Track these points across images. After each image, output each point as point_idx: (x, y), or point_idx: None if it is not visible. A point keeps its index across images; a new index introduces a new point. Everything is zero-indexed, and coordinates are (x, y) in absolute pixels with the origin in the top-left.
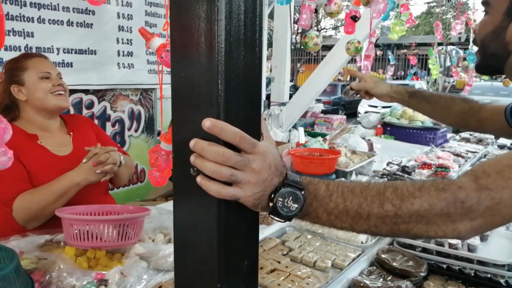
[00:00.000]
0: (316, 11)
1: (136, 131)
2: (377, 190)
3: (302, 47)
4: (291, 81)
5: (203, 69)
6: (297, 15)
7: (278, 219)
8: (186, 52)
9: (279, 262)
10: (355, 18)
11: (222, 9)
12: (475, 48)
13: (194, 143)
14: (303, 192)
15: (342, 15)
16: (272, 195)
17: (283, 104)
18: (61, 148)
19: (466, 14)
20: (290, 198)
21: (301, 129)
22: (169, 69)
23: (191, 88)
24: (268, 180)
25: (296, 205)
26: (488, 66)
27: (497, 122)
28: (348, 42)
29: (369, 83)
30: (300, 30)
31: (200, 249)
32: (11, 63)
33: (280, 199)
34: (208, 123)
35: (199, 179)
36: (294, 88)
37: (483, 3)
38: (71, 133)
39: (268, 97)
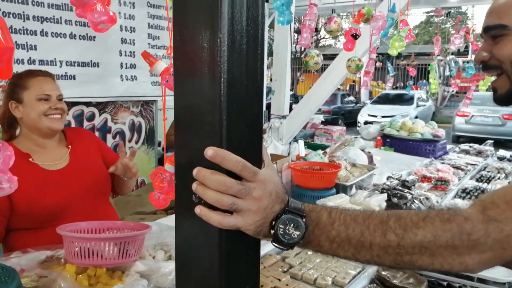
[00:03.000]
0: (316, 29)
1: (136, 142)
2: (380, 219)
3: (302, 62)
4: (291, 90)
5: (205, 98)
6: (297, 25)
7: (280, 247)
8: (189, 81)
9: (279, 280)
10: (355, 36)
11: (225, 40)
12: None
13: (196, 171)
14: (304, 220)
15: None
16: (273, 222)
17: (283, 117)
18: (56, 162)
19: (464, 29)
20: (292, 225)
21: (301, 142)
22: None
23: (194, 116)
24: (269, 207)
25: (297, 232)
26: None
27: None
28: (349, 60)
29: None
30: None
31: (201, 275)
32: (15, 78)
33: (281, 226)
34: (210, 152)
35: (198, 210)
36: (294, 97)
37: (493, 28)
38: (70, 146)
39: (268, 106)
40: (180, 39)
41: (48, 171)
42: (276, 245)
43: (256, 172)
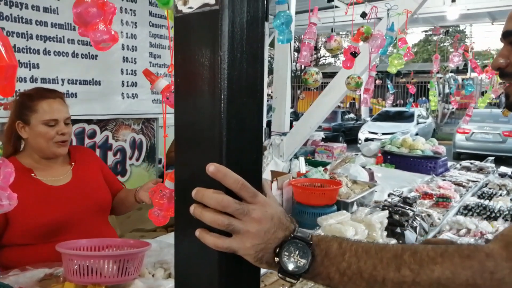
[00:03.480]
0: (315, 48)
1: (137, 160)
2: (394, 252)
3: (302, 80)
4: (291, 107)
5: (206, 114)
6: (297, 44)
7: (288, 278)
8: (189, 98)
9: None
10: (354, 54)
11: (225, 58)
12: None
13: (195, 192)
14: (311, 248)
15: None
16: (277, 249)
17: (284, 134)
18: (58, 178)
19: (463, 47)
20: (297, 252)
21: (302, 159)
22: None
23: (194, 132)
24: (271, 232)
25: (304, 261)
26: None
27: None
28: (348, 77)
29: None
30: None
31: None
32: (24, 98)
33: (286, 254)
34: (212, 168)
35: (197, 232)
36: (294, 114)
37: (508, 34)
38: (73, 163)
39: (268, 123)
40: (181, 57)
41: (50, 186)
42: (282, 276)
43: (256, 194)
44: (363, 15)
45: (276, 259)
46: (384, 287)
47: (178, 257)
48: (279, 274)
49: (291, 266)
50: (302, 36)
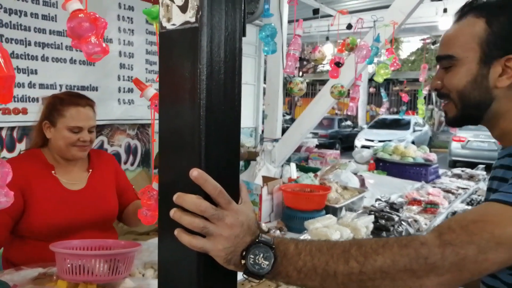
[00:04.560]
0: (300, 59)
1: (132, 165)
2: (343, 248)
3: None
4: (289, 114)
5: (187, 121)
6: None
7: (251, 278)
8: (172, 106)
9: None
10: (338, 64)
11: (204, 71)
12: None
13: (176, 196)
14: (273, 250)
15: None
16: (244, 252)
17: (276, 140)
18: (74, 182)
19: None
20: (261, 255)
21: (293, 165)
22: None
23: (177, 138)
24: (240, 237)
25: (267, 262)
26: (467, 117)
27: None
28: (332, 86)
29: None
30: (298, 65)
31: (181, 282)
32: (56, 100)
33: (251, 256)
34: (195, 173)
35: (176, 231)
36: (292, 121)
37: (443, 58)
38: (90, 170)
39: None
40: (165, 68)
41: (65, 188)
42: (246, 276)
43: (230, 201)
44: (349, 27)
45: (243, 261)
46: (335, 280)
47: (161, 254)
48: (243, 275)
49: (255, 267)
50: (287, 47)
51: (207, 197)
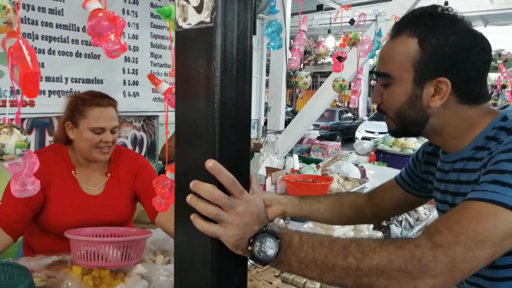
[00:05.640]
0: (309, 52)
1: None
2: (343, 244)
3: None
4: (290, 106)
5: (201, 115)
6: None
7: (256, 263)
8: (188, 100)
9: (270, 283)
10: (340, 59)
11: (218, 68)
12: None
13: (193, 184)
14: (279, 240)
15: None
16: (251, 240)
17: (279, 132)
18: (92, 187)
19: None
20: (267, 244)
21: (296, 156)
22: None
23: (192, 130)
24: (249, 225)
25: (272, 251)
26: (407, 132)
27: (393, 198)
28: (334, 80)
29: None
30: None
31: (196, 267)
32: (78, 100)
33: (258, 244)
34: (210, 164)
35: (192, 216)
36: (293, 113)
37: (381, 75)
38: (109, 174)
39: (265, 122)
40: (181, 65)
41: (83, 193)
42: (252, 261)
43: (242, 191)
44: (351, 22)
45: (250, 247)
46: (333, 272)
47: (177, 238)
48: (250, 259)
49: (261, 255)
50: (292, 42)
51: (220, 186)
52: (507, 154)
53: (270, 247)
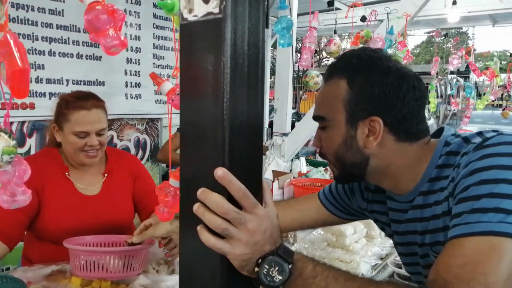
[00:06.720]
0: (316, 51)
1: (141, 159)
2: (360, 284)
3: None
4: (293, 108)
5: (209, 116)
6: (299, 45)
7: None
8: (194, 100)
9: None
10: None
11: (228, 64)
12: (473, 78)
13: (200, 192)
14: (290, 266)
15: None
16: (260, 260)
17: (285, 134)
18: (88, 187)
19: (462, 49)
20: (276, 268)
21: (303, 159)
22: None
23: (199, 133)
24: (260, 244)
25: (280, 277)
26: (350, 176)
27: (317, 218)
28: None
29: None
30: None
31: (204, 283)
32: (61, 101)
33: (266, 267)
34: (220, 172)
35: (198, 227)
36: (297, 115)
37: (317, 118)
38: (106, 174)
39: (270, 124)
40: (186, 61)
41: (79, 194)
42: (255, 284)
43: (255, 205)
44: (363, 19)
45: (256, 269)
46: None
47: (183, 249)
48: (254, 281)
49: (267, 279)
50: (303, 39)
51: (231, 196)
52: (473, 177)
53: (279, 273)
